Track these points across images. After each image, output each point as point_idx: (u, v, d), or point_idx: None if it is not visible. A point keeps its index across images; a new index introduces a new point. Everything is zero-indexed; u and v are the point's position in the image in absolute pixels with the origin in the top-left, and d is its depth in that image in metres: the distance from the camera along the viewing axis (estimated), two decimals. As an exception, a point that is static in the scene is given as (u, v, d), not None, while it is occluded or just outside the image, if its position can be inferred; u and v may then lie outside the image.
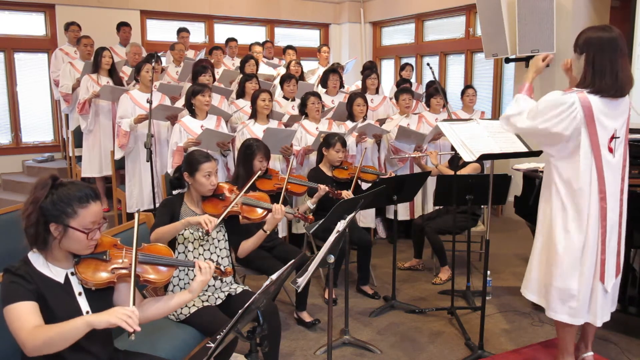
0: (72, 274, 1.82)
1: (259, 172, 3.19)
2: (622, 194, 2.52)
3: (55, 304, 1.73)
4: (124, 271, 1.86)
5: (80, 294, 1.82)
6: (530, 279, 2.69)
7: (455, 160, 3.95)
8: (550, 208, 2.56)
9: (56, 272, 1.79)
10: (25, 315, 1.64)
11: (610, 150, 2.45)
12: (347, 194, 3.75)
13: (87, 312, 1.80)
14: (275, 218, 2.83)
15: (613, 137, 2.45)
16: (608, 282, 2.51)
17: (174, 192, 2.85)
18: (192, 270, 2.62)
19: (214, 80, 5.05)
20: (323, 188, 3.61)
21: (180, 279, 2.66)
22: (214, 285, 2.71)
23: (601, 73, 2.37)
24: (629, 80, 2.41)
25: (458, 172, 3.78)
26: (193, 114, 4.24)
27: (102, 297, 1.87)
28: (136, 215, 1.94)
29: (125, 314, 1.65)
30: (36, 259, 1.77)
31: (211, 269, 2.03)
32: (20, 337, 1.63)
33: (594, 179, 2.43)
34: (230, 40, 7.09)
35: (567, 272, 2.49)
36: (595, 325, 2.57)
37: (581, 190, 2.44)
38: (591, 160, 2.42)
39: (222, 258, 2.75)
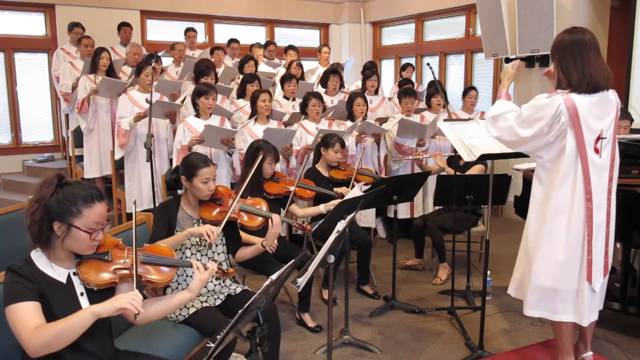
0: (74, 274, 1.81)
1: (248, 179, 2.99)
2: (609, 194, 2.52)
3: (57, 304, 1.72)
4: (125, 271, 1.86)
5: (82, 294, 1.81)
6: (514, 277, 2.71)
7: (455, 160, 3.96)
8: (534, 208, 2.57)
9: (59, 272, 1.78)
10: (27, 315, 1.64)
11: (597, 150, 2.45)
12: (345, 190, 3.82)
13: None
14: (272, 233, 2.73)
15: (599, 138, 2.45)
16: (596, 282, 2.50)
17: (179, 192, 2.82)
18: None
19: (217, 81, 5.05)
20: (340, 194, 3.71)
21: (179, 283, 2.66)
22: (213, 290, 2.70)
23: (568, 72, 2.42)
24: (603, 74, 2.41)
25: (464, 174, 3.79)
26: (197, 113, 4.25)
27: (103, 298, 1.85)
28: (134, 207, 1.95)
29: (129, 298, 1.72)
30: (39, 258, 1.77)
31: (212, 270, 2.05)
32: (22, 338, 1.62)
33: (579, 180, 2.43)
34: (232, 41, 7.10)
35: (549, 271, 2.49)
36: (582, 325, 2.56)
37: (565, 190, 2.44)
38: (577, 161, 2.42)
39: (220, 263, 2.73)
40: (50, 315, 1.71)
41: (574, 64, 2.40)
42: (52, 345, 1.63)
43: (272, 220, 2.73)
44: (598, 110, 2.43)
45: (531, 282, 2.54)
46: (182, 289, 2.61)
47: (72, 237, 1.74)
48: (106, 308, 1.70)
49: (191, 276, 2.63)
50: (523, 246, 2.66)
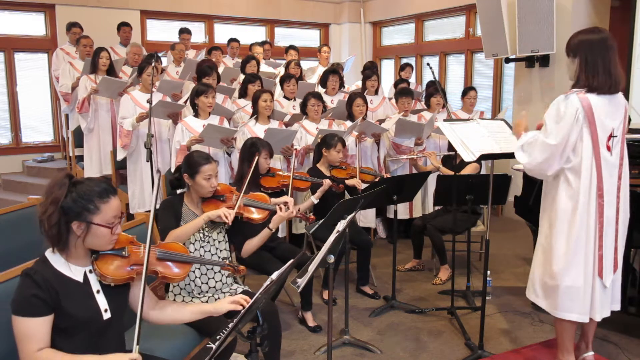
0: (91, 271, 1.81)
1: (249, 175, 3.14)
2: (619, 191, 2.56)
3: (72, 304, 1.71)
4: (143, 267, 1.86)
5: (98, 291, 1.81)
6: (534, 280, 2.71)
7: (450, 160, 3.96)
8: (555, 208, 2.58)
9: (75, 271, 1.77)
10: (33, 334, 1.63)
11: (609, 148, 2.51)
12: (357, 182, 3.88)
13: (106, 310, 1.80)
14: (281, 216, 2.89)
15: (611, 136, 2.51)
16: (606, 277, 2.55)
17: (178, 192, 2.84)
18: (200, 270, 2.65)
19: (219, 81, 5.05)
20: (327, 182, 3.68)
21: (185, 283, 2.66)
22: (214, 287, 2.71)
23: (594, 71, 2.45)
24: (621, 76, 2.49)
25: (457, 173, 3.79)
26: (196, 113, 4.25)
27: (119, 294, 1.87)
28: (152, 215, 1.94)
29: None
30: (56, 260, 1.75)
31: (224, 308, 1.98)
32: (23, 355, 1.64)
33: (593, 177, 2.49)
34: (232, 40, 7.10)
35: (572, 271, 2.52)
36: (595, 320, 2.59)
37: (583, 188, 2.48)
38: (591, 159, 2.48)
39: (222, 259, 2.75)
40: (66, 316, 1.70)
41: (603, 65, 2.44)
42: None
43: (280, 208, 2.89)
44: (610, 109, 2.48)
45: (560, 285, 2.54)
46: (185, 289, 2.64)
47: (92, 234, 1.72)
48: None
49: (194, 280, 2.65)
50: (543, 248, 2.65)
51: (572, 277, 2.52)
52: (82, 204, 1.69)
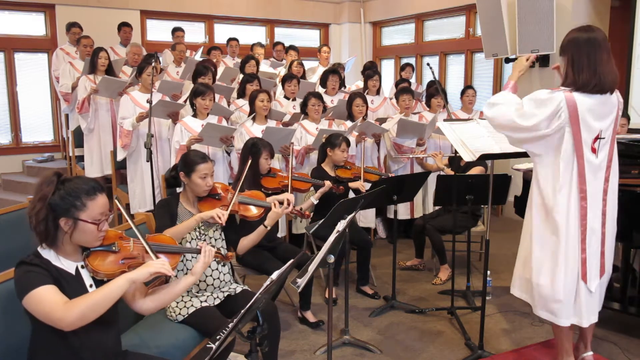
0: (82, 267, 1.84)
1: (246, 171, 3.16)
2: (605, 194, 2.50)
3: (69, 293, 1.74)
4: (133, 260, 1.91)
5: (91, 286, 1.84)
6: (516, 276, 2.70)
7: (456, 161, 3.96)
8: (532, 207, 2.56)
9: (67, 265, 1.80)
10: (51, 295, 1.66)
11: (594, 150, 2.44)
12: (360, 185, 3.90)
13: None
14: (276, 213, 2.90)
15: (597, 138, 2.44)
16: (591, 282, 2.49)
17: (178, 190, 2.86)
18: (192, 260, 2.67)
19: (214, 81, 5.06)
20: (327, 184, 3.68)
21: (179, 270, 2.68)
22: (212, 285, 2.71)
23: (579, 69, 2.39)
24: (612, 76, 2.39)
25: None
26: (194, 113, 4.26)
27: None
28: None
29: (159, 263, 1.85)
30: (47, 253, 1.78)
31: (212, 252, 2.16)
32: (55, 315, 1.63)
33: (574, 179, 2.42)
34: (231, 39, 7.11)
35: (548, 271, 2.49)
36: (582, 327, 2.56)
37: (561, 189, 2.43)
38: (573, 160, 2.41)
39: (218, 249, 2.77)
40: None
41: (588, 62, 2.38)
42: (87, 316, 1.66)
43: (274, 204, 2.90)
44: (598, 110, 2.42)
45: (536, 283, 2.53)
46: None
47: (79, 230, 1.76)
48: (140, 273, 1.78)
49: (189, 265, 2.67)
50: (523, 246, 2.66)
51: (548, 279, 2.48)
52: (69, 200, 1.74)
